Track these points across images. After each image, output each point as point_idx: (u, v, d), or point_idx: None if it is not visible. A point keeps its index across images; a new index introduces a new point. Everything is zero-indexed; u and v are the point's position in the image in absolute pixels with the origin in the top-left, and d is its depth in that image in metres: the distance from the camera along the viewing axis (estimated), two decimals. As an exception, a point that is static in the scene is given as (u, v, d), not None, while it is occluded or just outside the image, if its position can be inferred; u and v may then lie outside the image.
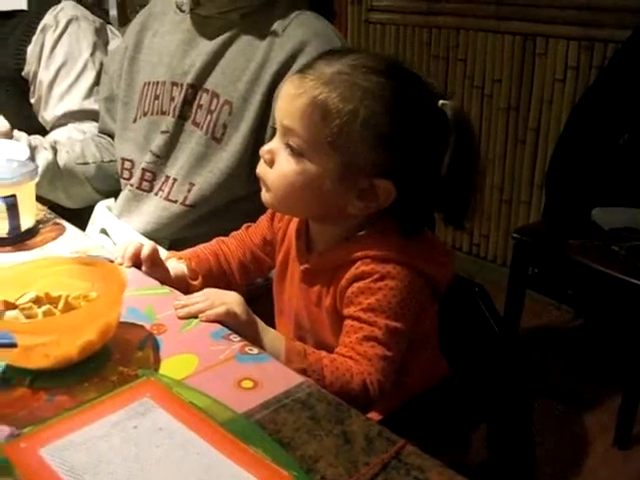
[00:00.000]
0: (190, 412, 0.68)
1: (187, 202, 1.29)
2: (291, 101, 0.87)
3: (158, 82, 1.35)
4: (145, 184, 1.35)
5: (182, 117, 1.31)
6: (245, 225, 1.12)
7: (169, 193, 1.31)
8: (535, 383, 1.14)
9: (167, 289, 0.97)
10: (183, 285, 1.02)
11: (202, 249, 1.09)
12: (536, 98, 2.59)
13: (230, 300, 0.87)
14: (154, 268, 1.01)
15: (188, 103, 1.30)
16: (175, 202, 1.31)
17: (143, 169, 1.35)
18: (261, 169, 0.93)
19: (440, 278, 0.93)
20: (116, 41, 1.72)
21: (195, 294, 0.90)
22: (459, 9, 2.74)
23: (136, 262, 1.01)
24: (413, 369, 0.96)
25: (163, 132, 1.32)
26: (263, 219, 1.09)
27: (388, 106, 0.84)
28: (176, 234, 1.32)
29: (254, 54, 1.26)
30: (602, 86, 2.17)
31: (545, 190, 2.29)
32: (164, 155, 1.33)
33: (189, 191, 1.29)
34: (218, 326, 0.85)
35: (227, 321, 0.85)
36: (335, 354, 0.86)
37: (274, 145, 0.90)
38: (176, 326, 0.86)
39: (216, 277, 1.07)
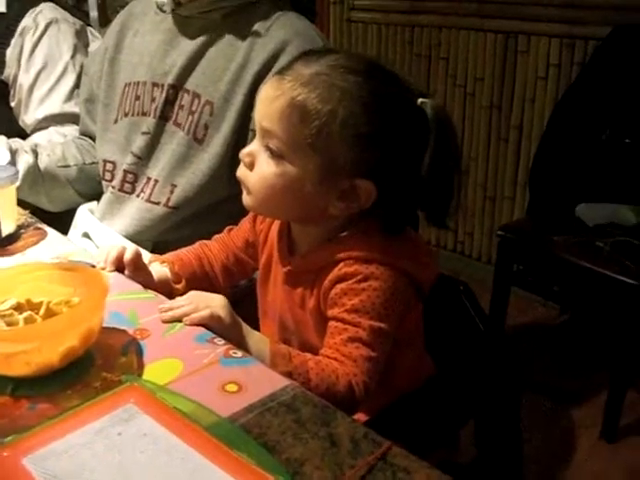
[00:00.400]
0: (174, 417, 0.68)
1: (170, 204, 1.29)
2: (269, 103, 0.87)
3: (139, 82, 1.35)
4: (127, 186, 1.34)
5: (163, 118, 1.30)
6: (227, 228, 1.12)
7: (151, 195, 1.31)
8: (522, 380, 1.14)
9: (151, 293, 0.96)
10: (166, 289, 1.02)
11: (185, 252, 1.09)
12: (518, 96, 2.59)
13: (214, 303, 0.86)
14: (137, 272, 1.00)
15: (169, 103, 1.29)
16: (158, 204, 1.30)
17: (124, 170, 1.34)
18: (241, 172, 0.92)
19: (424, 278, 0.93)
20: (96, 43, 1.71)
21: (179, 298, 0.89)
22: (441, 7, 2.74)
23: (119, 266, 1.00)
24: (399, 368, 0.96)
25: (144, 133, 1.31)
26: (245, 221, 1.09)
27: (366, 106, 0.84)
28: (159, 237, 1.32)
29: (235, 54, 1.25)
30: (584, 83, 2.18)
31: (529, 187, 2.29)
32: (145, 156, 1.32)
33: (171, 192, 1.28)
34: (202, 330, 0.84)
35: (211, 324, 0.85)
36: (320, 356, 0.86)
37: (254, 148, 0.90)
38: (160, 330, 0.85)
39: (199, 280, 1.06)
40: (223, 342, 0.82)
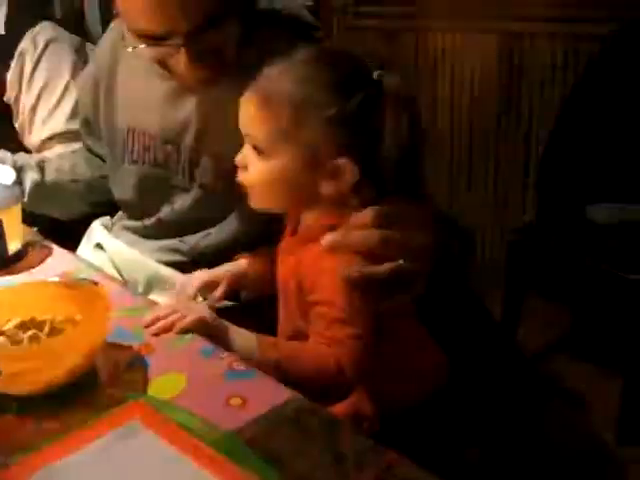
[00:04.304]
0: (179, 434, 0.68)
1: (198, 249, 1.25)
2: (245, 108, 0.93)
3: (146, 133, 1.27)
4: (154, 228, 1.31)
5: (187, 177, 1.24)
6: None
7: (182, 237, 1.27)
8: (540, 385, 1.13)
9: (154, 309, 0.95)
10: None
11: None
12: (525, 97, 2.58)
13: (198, 308, 0.91)
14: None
15: (194, 165, 1.23)
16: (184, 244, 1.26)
17: (159, 218, 1.29)
18: (240, 176, 0.97)
19: None
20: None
21: (161, 306, 0.93)
22: (444, 12, 2.74)
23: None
24: (391, 338, 0.94)
25: (172, 186, 1.26)
26: None
27: (327, 88, 0.89)
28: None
29: None
30: (591, 81, 2.16)
31: (537, 189, 2.28)
32: (177, 208, 1.27)
33: (205, 237, 1.25)
34: (206, 343, 0.85)
35: (199, 327, 0.88)
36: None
37: (244, 152, 0.95)
38: (164, 345, 0.86)
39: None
40: (226, 355, 0.83)
